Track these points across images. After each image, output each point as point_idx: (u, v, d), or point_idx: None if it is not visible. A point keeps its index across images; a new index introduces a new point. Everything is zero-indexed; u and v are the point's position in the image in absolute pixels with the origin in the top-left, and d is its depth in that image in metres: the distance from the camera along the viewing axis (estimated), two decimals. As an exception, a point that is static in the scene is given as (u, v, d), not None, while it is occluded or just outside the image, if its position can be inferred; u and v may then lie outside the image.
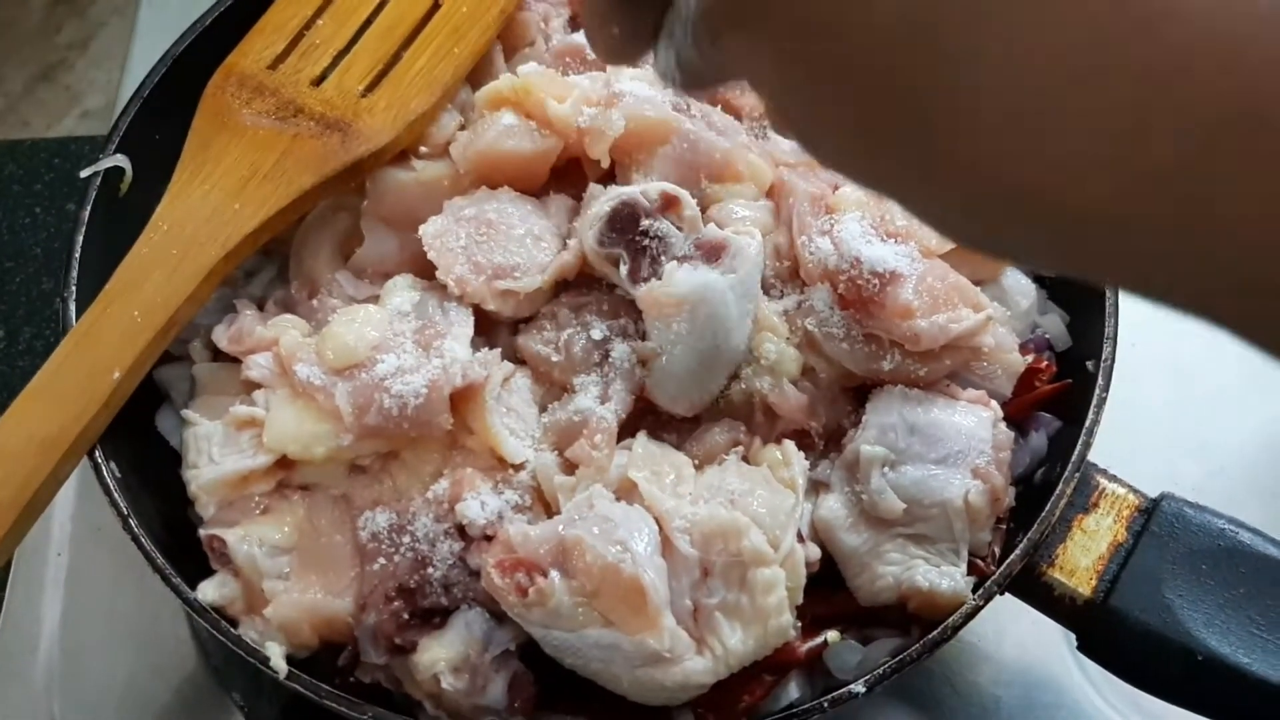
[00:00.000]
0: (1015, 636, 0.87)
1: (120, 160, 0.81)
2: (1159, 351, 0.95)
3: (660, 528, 0.66)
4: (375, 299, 0.77)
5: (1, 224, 1.51)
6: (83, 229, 0.78)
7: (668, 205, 0.73)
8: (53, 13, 2.87)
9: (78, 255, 0.78)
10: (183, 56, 0.86)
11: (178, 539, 0.74)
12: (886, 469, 0.69)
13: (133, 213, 0.81)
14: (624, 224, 0.72)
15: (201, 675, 0.87)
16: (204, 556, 0.73)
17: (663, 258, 0.72)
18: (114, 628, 0.89)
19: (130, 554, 0.89)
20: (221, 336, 0.74)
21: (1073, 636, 0.80)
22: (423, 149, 0.79)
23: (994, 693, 0.86)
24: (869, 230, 0.73)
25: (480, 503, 0.67)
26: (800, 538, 0.67)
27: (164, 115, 0.83)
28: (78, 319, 0.73)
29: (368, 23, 0.82)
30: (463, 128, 0.80)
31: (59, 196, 1.54)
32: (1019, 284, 0.81)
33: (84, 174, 0.81)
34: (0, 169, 1.57)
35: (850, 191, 0.75)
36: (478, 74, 0.82)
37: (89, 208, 0.79)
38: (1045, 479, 0.74)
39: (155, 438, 0.79)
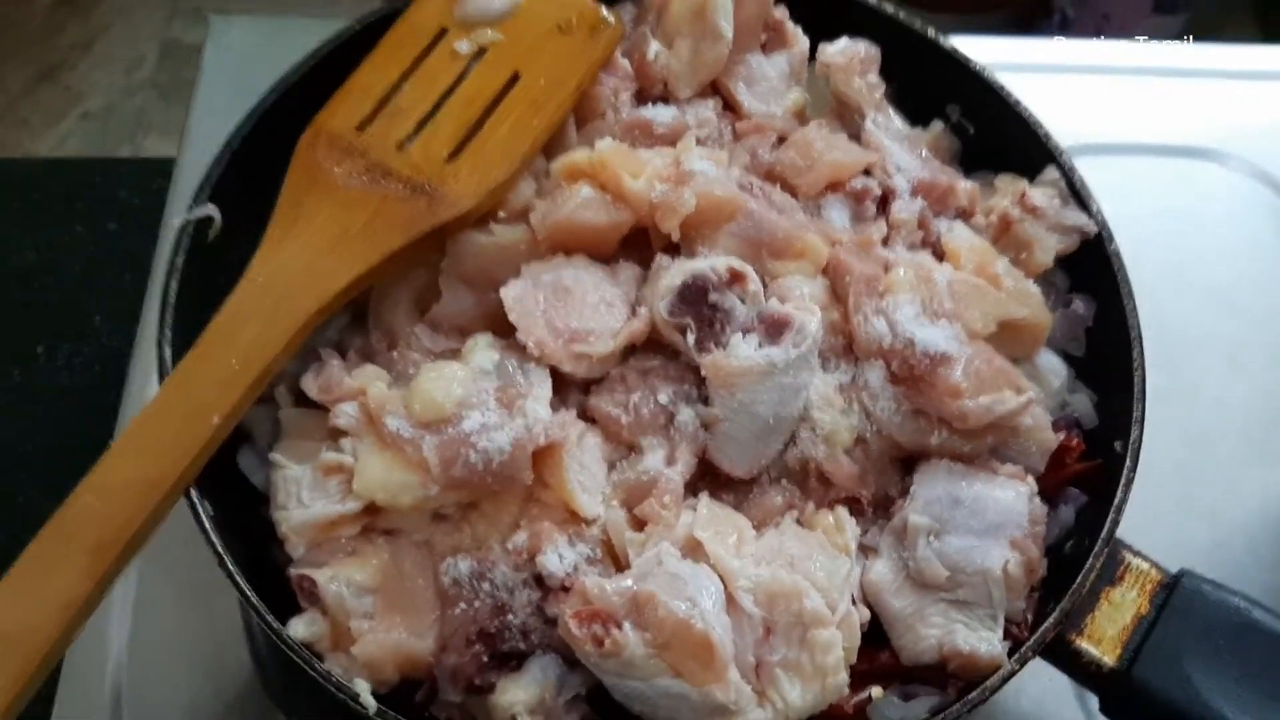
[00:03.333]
0: (1033, 692, 0.92)
1: (212, 210, 0.85)
2: (1171, 422, 1.01)
3: (725, 586, 0.71)
4: (451, 352, 0.82)
5: (42, 240, 1.55)
6: (178, 275, 0.82)
7: (734, 280, 0.78)
8: (55, 13, 2.89)
9: (173, 301, 0.82)
10: (269, 110, 0.90)
11: (257, 574, 0.78)
12: (932, 538, 0.75)
13: (214, 258, 0.86)
14: (693, 296, 0.78)
15: (262, 700, 0.91)
16: (279, 591, 0.78)
17: (727, 329, 0.77)
18: (179, 651, 0.93)
19: (195, 580, 0.95)
20: (311, 385, 0.79)
21: (1086, 694, 0.86)
22: (500, 214, 0.84)
23: (1010, 743, 0.92)
24: (920, 312, 0.79)
25: (558, 556, 0.72)
26: (853, 600, 0.73)
27: (248, 164, 0.88)
28: (174, 364, 0.78)
29: (449, 90, 0.87)
30: (538, 194, 0.85)
31: (100, 215, 1.58)
32: (1051, 364, 0.87)
33: (176, 222, 0.85)
34: (44, 187, 1.61)
35: (902, 273, 0.81)
36: (552, 144, 0.87)
37: (183, 254, 0.83)
38: (1074, 551, 0.80)
39: (235, 476, 0.83)
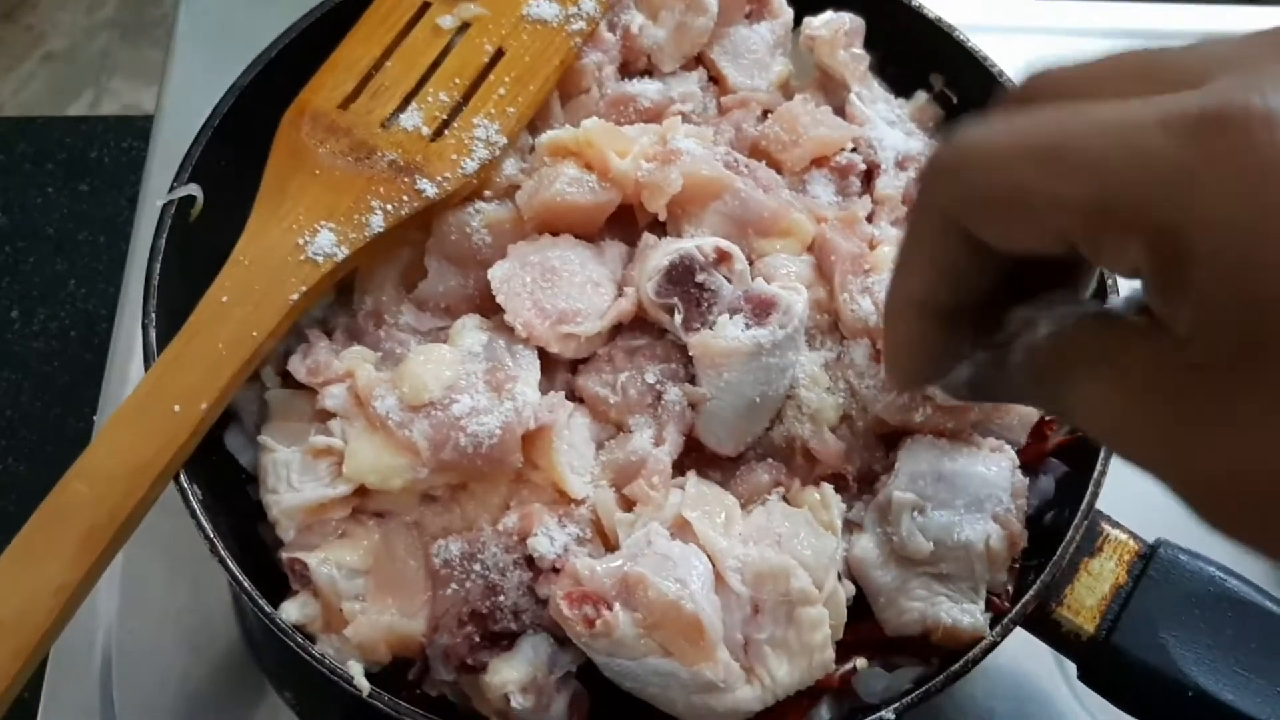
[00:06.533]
0: (1010, 653, 0.94)
1: (194, 190, 0.85)
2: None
3: (714, 566, 0.72)
4: (438, 331, 0.82)
5: (13, 204, 1.53)
6: (160, 257, 0.82)
7: (720, 259, 0.79)
8: (15, -50, 2.82)
9: (156, 283, 0.81)
10: (249, 86, 0.89)
11: (247, 552, 0.79)
12: (916, 514, 0.76)
13: (197, 236, 0.85)
14: (680, 276, 0.78)
15: (253, 674, 0.92)
16: (269, 568, 0.79)
17: (714, 308, 0.78)
18: (168, 626, 0.94)
19: (182, 554, 0.96)
20: (299, 368, 0.79)
21: (1065, 661, 0.88)
22: (486, 192, 0.84)
23: (989, 705, 0.94)
24: (905, 290, 0.79)
25: (549, 538, 0.73)
26: (839, 576, 0.74)
27: (228, 142, 0.88)
28: (159, 348, 0.77)
29: (433, 67, 0.86)
30: (523, 171, 0.85)
31: (71, 177, 1.56)
32: (1032, 336, 0.88)
33: (160, 202, 0.84)
34: (11, 147, 1.58)
35: (887, 251, 0.81)
36: (536, 120, 0.87)
37: (165, 236, 0.83)
38: (1054, 522, 0.81)
39: (222, 456, 0.83)
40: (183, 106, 1.17)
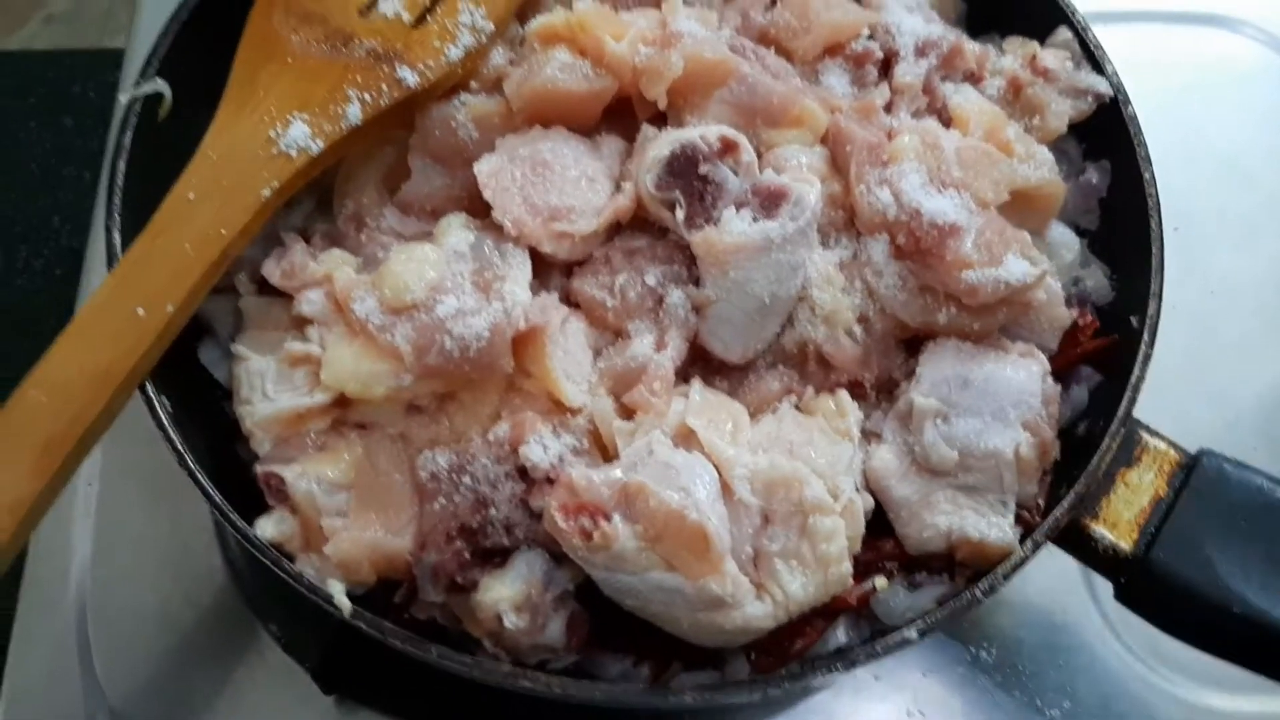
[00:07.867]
0: (1039, 582, 0.89)
1: (161, 85, 0.79)
2: (1181, 300, 0.96)
3: (720, 475, 0.66)
4: (423, 235, 0.76)
5: (-7, 138, 1.48)
6: (125, 155, 0.76)
7: (726, 149, 0.72)
8: (17, -89, 2.76)
9: (120, 182, 0.76)
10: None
11: (224, 473, 0.73)
12: (939, 421, 0.70)
13: (167, 139, 0.79)
14: (682, 168, 0.72)
15: (235, 605, 0.87)
16: (250, 490, 0.73)
17: (719, 203, 0.72)
18: (145, 557, 0.89)
19: (162, 483, 0.91)
20: (273, 271, 0.73)
21: (1097, 583, 0.83)
22: (472, 84, 0.78)
23: (1016, 635, 0.89)
24: (927, 180, 0.73)
25: (542, 446, 0.67)
26: (857, 488, 0.68)
27: (200, 38, 0.82)
28: (124, 249, 0.72)
29: (416, -50, 0.80)
30: (511, 62, 0.79)
31: (54, 111, 1.50)
32: (1064, 237, 0.82)
33: (123, 98, 0.78)
34: (-8, 82, 1.53)
35: (907, 140, 0.75)
36: (526, 7, 0.81)
37: (130, 133, 0.77)
38: (1088, 432, 0.76)
39: (197, 370, 0.78)
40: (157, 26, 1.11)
